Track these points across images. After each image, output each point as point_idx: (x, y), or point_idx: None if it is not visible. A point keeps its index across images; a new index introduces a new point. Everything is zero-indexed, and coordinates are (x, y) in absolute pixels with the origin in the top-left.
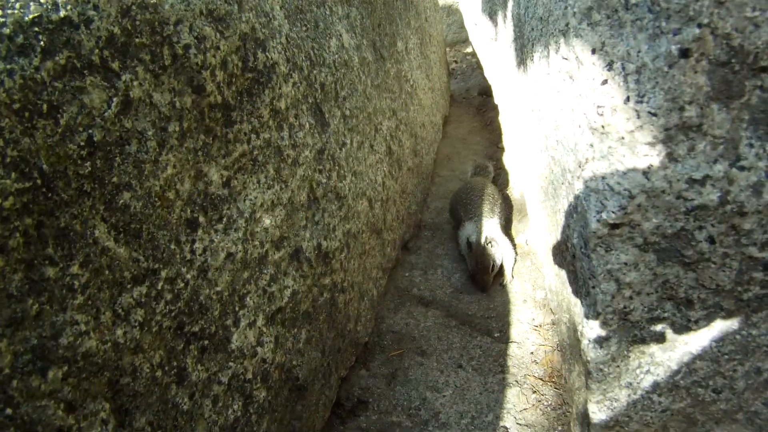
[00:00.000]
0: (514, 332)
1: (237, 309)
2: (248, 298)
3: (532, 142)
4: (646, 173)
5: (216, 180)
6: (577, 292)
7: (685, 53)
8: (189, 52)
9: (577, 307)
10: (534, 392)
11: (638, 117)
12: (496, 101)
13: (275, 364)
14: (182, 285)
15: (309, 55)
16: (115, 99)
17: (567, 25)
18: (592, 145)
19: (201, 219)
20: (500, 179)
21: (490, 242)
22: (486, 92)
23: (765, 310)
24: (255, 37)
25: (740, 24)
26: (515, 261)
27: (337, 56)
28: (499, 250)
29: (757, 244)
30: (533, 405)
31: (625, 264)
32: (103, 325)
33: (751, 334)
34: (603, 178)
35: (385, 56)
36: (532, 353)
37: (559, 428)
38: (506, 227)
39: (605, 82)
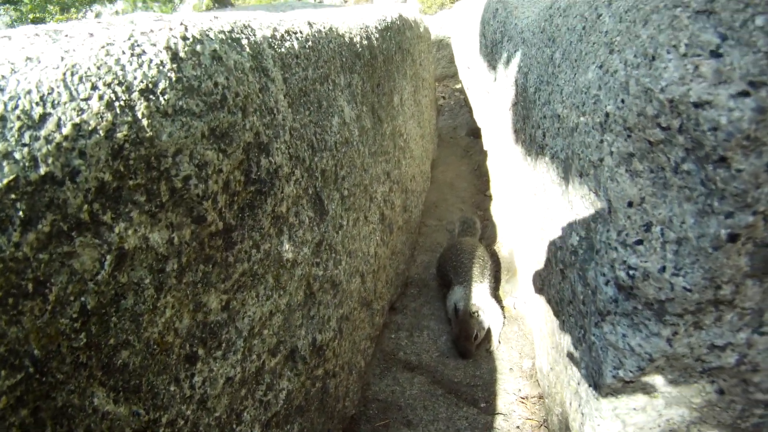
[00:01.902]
0: (501, 403)
1: (234, 427)
2: (245, 413)
3: (532, 220)
4: (670, 340)
5: (215, 307)
6: (577, 412)
7: (733, 238)
8: (189, 183)
9: (575, 422)
10: None
11: (672, 289)
12: (485, 147)
13: None
14: (182, 423)
15: (311, 142)
16: (108, 256)
17: (601, 160)
18: (616, 301)
19: (200, 352)
20: (488, 232)
21: (476, 311)
22: (474, 133)
23: None
24: (259, 142)
25: None
26: (503, 325)
27: (338, 136)
28: (486, 319)
29: (762, 390)
30: None
31: (634, 409)
32: None
33: None
34: (624, 336)
35: (382, 117)
36: (518, 427)
37: None
38: (495, 289)
39: (640, 242)
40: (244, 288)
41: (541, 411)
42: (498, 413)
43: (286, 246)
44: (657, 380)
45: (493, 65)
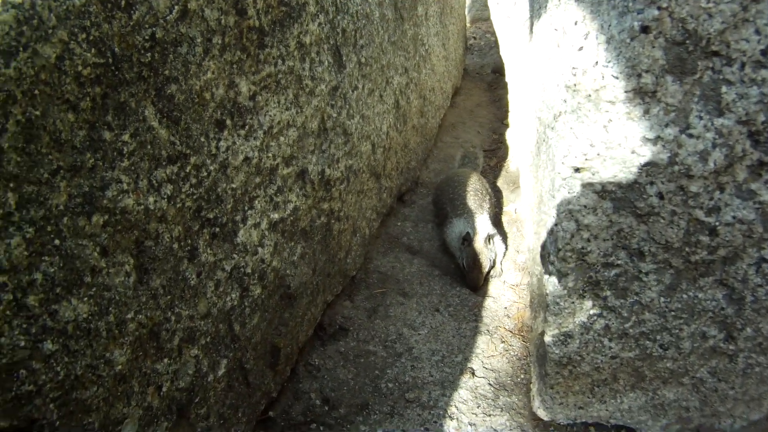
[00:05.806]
0: (492, 288)
1: (246, 208)
2: (257, 201)
3: (529, 110)
4: (605, 126)
5: (244, 92)
6: (542, 234)
7: (645, 29)
8: None
9: (543, 249)
10: (503, 342)
11: (603, 78)
12: (507, 79)
13: (272, 267)
14: (205, 174)
15: (335, 1)
16: (176, 7)
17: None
18: (565, 101)
19: (228, 122)
20: (500, 152)
21: (490, 237)
22: (499, 71)
23: (711, 276)
24: None
25: (695, 12)
26: (506, 250)
27: (360, 8)
28: (496, 248)
29: (703, 209)
30: (501, 353)
31: (585, 206)
32: (139, 190)
33: (697, 297)
34: (571, 128)
35: (404, 17)
36: (505, 308)
37: (522, 376)
38: (497, 216)
39: (581, 48)
40: (269, 90)
41: (528, 296)
42: (488, 296)
43: (307, 72)
44: (602, 173)
45: None
